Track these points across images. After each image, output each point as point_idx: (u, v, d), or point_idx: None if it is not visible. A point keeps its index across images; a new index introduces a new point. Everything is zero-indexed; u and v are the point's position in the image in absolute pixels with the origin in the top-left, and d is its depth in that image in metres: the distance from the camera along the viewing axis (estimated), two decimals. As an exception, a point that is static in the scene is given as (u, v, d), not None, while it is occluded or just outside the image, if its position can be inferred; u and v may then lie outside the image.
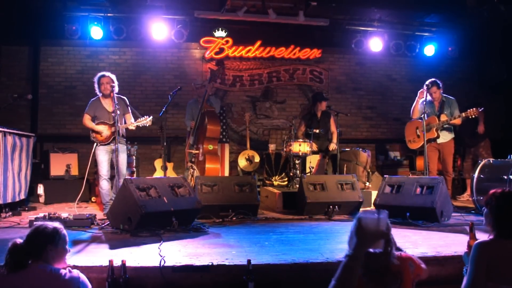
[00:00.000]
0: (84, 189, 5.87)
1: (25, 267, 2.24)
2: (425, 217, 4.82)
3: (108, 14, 7.75)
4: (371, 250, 2.25)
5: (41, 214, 4.70)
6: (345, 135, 8.04)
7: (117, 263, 2.78)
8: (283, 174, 7.64)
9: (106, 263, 2.80)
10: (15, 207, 5.63)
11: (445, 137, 6.15)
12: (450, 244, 3.75)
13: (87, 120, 5.61)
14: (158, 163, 7.60)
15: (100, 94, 5.64)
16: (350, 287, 2.04)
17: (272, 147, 8.05)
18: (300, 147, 6.49)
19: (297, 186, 6.02)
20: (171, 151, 8.17)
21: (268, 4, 7.44)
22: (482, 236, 2.50)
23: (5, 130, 5.27)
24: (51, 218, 4.51)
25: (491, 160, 5.61)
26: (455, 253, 3.36)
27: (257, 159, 7.99)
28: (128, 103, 5.73)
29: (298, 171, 6.56)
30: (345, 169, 7.02)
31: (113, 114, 5.32)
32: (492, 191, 2.45)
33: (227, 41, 8.29)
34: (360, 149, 7.40)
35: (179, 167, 7.92)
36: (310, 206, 5.47)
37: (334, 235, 4.35)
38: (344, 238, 4.43)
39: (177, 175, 6.92)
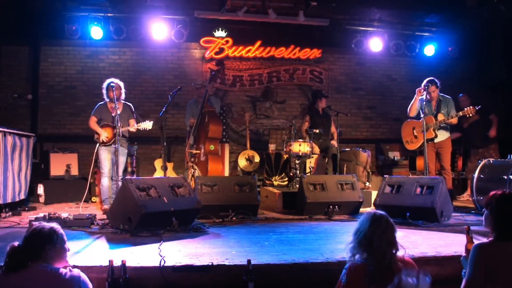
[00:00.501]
0: (85, 189, 5.88)
1: (25, 267, 2.24)
2: (425, 217, 4.82)
3: (108, 14, 7.75)
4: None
5: (41, 214, 4.71)
6: (345, 135, 8.04)
7: (117, 263, 2.78)
8: (283, 174, 7.64)
9: (106, 263, 2.80)
10: (15, 207, 5.63)
11: (442, 136, 6.15)
12: (450, 244, 3.75)
13: (92, 123, 5.80)
14: (158, 163, 7.60)
15: (107, 99, 5.79)
16: None
17: (272, 147, 8.06)
18: (300, 147, 6.49)
19: (297, 186, 6.02)
20: (171, 151, 8.17)
21: (268, 4, 7.44)
22: (480, 239, 2.49)
23: (5, 130, 5.27)
24: (51, 218, 4.51)
25: (491, 160, 5.62)
26: (455, 253, 3.36)
27: (257, 159, 7.99)
28: (133, 110, 5.96)
29: (298, 171, 6.56)
30: (345, 169, 7.02)
31: (112, 115, 5.45)
32: (492, 192, 2.44)
33: (227, 41, 8.29)
34: (360, 149, 7.41)
35: (179, 167, 7.92)
36: (310, 206, 5.47)
37: (334, 235, 4.35)
38: (344, 238, 4.46)
39: (177, 175, 6.92)
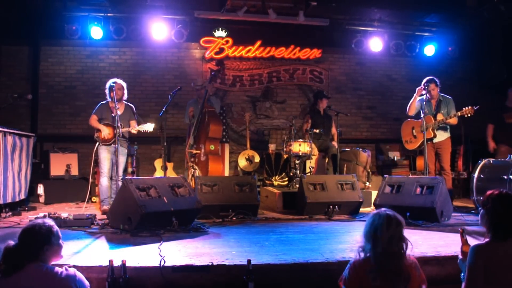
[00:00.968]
0: (85, 189, 5.88)
1: (21, 268, 2.22)
2: (425, 217, 4.82)
3: (108, 14, 7.75)
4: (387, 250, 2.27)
5: (41, 214, 4.72)
6: (345, 135, 8.04)
7: (117, 263, 2.78)
8: (283, 174, 7.64)
9: (106, 263, 2.80)
10: (15, 207, 5.62)
11: (441, 136, 6.14)
12: (450, 244, 3.75)
13: (93, 121, 5.81)
14: (158, 163, 7.60)
15: (109, 99, 5.77)
16: None
17: (272, 147, 8.06)
18: (300, 147, 6.49)
19: (297, 186, 6.02)
20: (171, 151, 8.17)
21: (268, 4, 7.44)
22: (479, 239, 2.49)
23: (5, 130, 5.27)
24: (51, 218, 4.50)
25: (491, 160, 5.61)
26: (455, 253, 3.35)
27: (257, 159, 7.99)
28: (134, 111, 5.98)
29: (298, 171, 6.56)
30: (345, 169, 7.02)
31: (112, 115, 5.43)
32: (489, 192, 2.44)
33: (227, 41, 8.29)
34: (360, 149, 7.41)
35: (179, 167, 7.92)
36: (310, 206, 5.47)
37: (334, 235, 4.35)
38: (344, 238, 4.46)
39: (177, 175, 6.92)
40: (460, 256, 2.61)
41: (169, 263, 3.11)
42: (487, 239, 2.38)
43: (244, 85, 8.69)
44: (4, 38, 7.86)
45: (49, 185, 6.80)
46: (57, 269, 2.28)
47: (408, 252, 2.39)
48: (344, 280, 2.40)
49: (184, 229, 4.41)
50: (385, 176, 5.55)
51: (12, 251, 2.25)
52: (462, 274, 2.49)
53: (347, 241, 4.02)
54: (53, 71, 8.22)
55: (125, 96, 5.90)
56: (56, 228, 2.40)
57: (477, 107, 5.73)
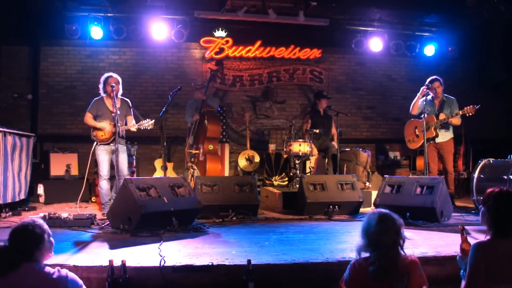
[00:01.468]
0: (84, 189, 5.87)
1: (16, 268, 2.19)
2: (425, 217, 4.82)
3: (108, 14, 7.75)
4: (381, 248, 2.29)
5: (41, 214, 4.70)
6: (345, 135, 8.04)
7: (117, 263, 2.78)
8: (283, 174, 7.64)
9: (106, 263, 2.80)
10: (15, 207, 5.62)
11: (444, 136, 6.14)
12: (450, 244, 3.75)
13: (89, 119, 5.59)
14: (158, 163, 7.60)
15: (104, 94, 5.61)
16: None
17: (272, 147, 8.06)
18: (300, 147, 6.49)
19: (297, 186, 6.02)
20: (171, 151, 8.17)
21: (268, 4, 7.44)
22: (478, 238, 2.50)
23: (5, 130, 5.27)
24: (51, 218, 4.51)
25: (491, 160, 5.61)
26: (455, 253, 3.33)
27: (257, 159, 7.99)
28: (131, 105, 5.76)
29: (298, 171, 6.56)
30: (345, 169, 7.03)
31: (113, 115, 5.32)
32: (489, 190, 2.45)
33: (227, 41, 8.29)
34: (360, 149, 7.41)
35: (179, 167, 7.92)
36: (310, 206, 5.47)
37: (334, 235, 4.35)
38: (344, 238, 4.46)
39: (177, 175, 6.92)
40: (459, 254, 2.62)
41: (169, 263, 3.11)
42: (488, 237, 2.39)
43: (244, 85, 8.69)
44: (4, 38, 7.86)
45: (49, 185, 6.80)
46: (50, 269, 2.26)
47: (408, 252, 2.39)
48: (346, 281, 2.40)
49: (184, 229, 4.41)
50: (385, 176, 5.55)
51: (5, 252, 2.23)
52: (462, 271, 2.49)
53: (347, 241, 4.02)
54: (53, 71, 8.22)
55: (121, 91, 5.63)
56: (46, 226, 2.37)
57: (478, 106, 5.72)
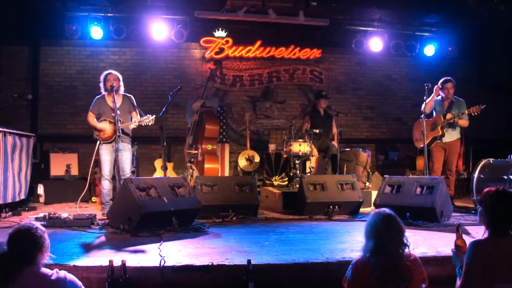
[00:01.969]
0: (84, 189, 5.87)
1: (19, 273, 2.18)
2: (425, 217, 4.82)
3: (108, 14, 7.75)
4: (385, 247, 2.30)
5: (41, 214, 4.70)
6: (345, 135, 8.04)
7: (117, 263, 2.78)
8: (283, 174, 7.64)
9: (106, 263, 2.80)
10: (15, 207, 5.62)
11: (451, 136, 6.15)
12: (450, 244, 3.70)
13: (91, 118, 5.56)
14: (158, 163, 7.60)
15: (105, 92, 5.57)
16: None
17: (272, 147, 8.05)
18: (300, 147, 6.49)
19: (297, 186, 6.02)
20: (171, 151, 8.17)
21: (268, 4, 7.43)
22: (471, 238, 2.51)
23: (5, 130, 5.26)
24: (51, 218, 4.51)
25: (491, 160, 5.61)
26: (455, 253, 3.36)
27: (257, 159, 7.99)
28: (134, 102, 5.70)
29: (298, 171, 6.56)
30: (345, 169, 7.02)
31: (113, 114, 5.27)
32: (486, 189, 2.48)
33: (227, 41, 8.29)
34: (360, 149, 7.40)
35: (179, 167, 7.93)
36: (310, 206, 5.47)
37: (334, 235, 4.35)
38: (344, 238, 4.45)
39: (177, 175, 6.93)
40: (453, 250, 2.63)
41: (169, 263, 3.11)
42: (485, 235, 2.40)
43: (244, 85, 8.69)
44: (4, 38, 7.86)
45: (49, 185, 6.79)
46: (48, 271, 2.26)
47: (408, 251, 2.40)
48: (348, 281, 2.40)
49: (184, 229, 4.41)
50: (385, 176, 5.55)
51: (8, 257, 2.22)
52: (457, 269, 2.50)
53: (347, 241, 4.02)
54: (53, 71, 8.22)
55: (122, 88, 5.57)
56: (43, 229, 2.37)
57: (484, 106, 5.75)
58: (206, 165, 6.32)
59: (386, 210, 2.43)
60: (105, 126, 5.48)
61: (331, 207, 5.44)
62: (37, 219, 4.53)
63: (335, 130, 7.12)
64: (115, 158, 5.40)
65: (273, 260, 3.24)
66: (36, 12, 7.66)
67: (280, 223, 5.10)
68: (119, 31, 7.78)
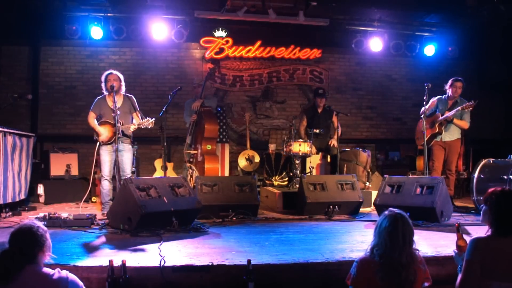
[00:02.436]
0: (85, 189, 5.86)
1: (20, 271, 2.18)
2: (425, 217, 4.82)
3: (108, 14, 7.75)
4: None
5: (41, 214, 4.71)
6: (345, 135, 8.05)
7: (117, 263, 2.78)
8: (283, 174, 7.63)
9: (106, 263, 2.80)
10: (15, 207, 5.62)
11: (451, 136, 6.14)
12: (450, 244, 3.74)
13: (91, 119, 5.54)
14: (158, 163, 7.60)
15: (106, 93, 5.55)
16: None
17: (272, 147, 8.05)
18: (300, 147, 6.48)
19: (297, 186, 6.02)
20: (171, 151, 8.17)
21: (268, 4, 7.43)
22: (471, 237, 2.51)
23: (5, 130, 5.26)
24: (51, 218, 4.51)
25: (491, 160, 5.62)
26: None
27: (257, 159, 7.99)
28: (135, 102, 5.68)
29: (298, 171, 6.56)
30: (345, 169, 7.02)
31: (113, 114, 5.27)
32: (491, 189, 2.49)
33: (227, 41, 8.29)
34: (360, 149, 7.40)
35: (179, 167, 7.92)
36: (310, 206, 5.47)
37: (334, 235, 4.35)
38: (344, 238, 4.45)
39: (177, 175, 6.92)
40: (455, 250, 2.64)
41: (169, 263, 3.11)
42: (488, 233, 2.41)
43: (244, 85, 8.69)
44: (4, 38, 7.85)
45: (49, 185, 6.79)
46: (50, 270, 2.26)
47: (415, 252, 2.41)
48: (352, 279, 2.40)
49: (184, 229, 4.41)
50: (385, 176, 5.55)
51: (9, 255, 2.22)
52: (459, 267, 2.51)
53: (347, 241, 4.02)
54: (53, 71, 8.22)
55: (123, 88, 5.55)
56: (45, 228, 2.37)
57: (476, 101, 5.75)
58: (207, 166, 6.32)
59: (399, 212, 2.41)
60: (103, 131, 5.44)
61: (331, 207, 5.44)
62: (37, 219, 4.52)
63: (336, 126, 7.03)
64: (116, 159, 5.39)
65: (273, 260, 3.24)
66: (36, 12, 7.65)
67: (280, 223, 5.10)
68: (119, 31, 7.78)
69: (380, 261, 2.33)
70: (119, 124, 5.24)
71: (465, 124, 6.06)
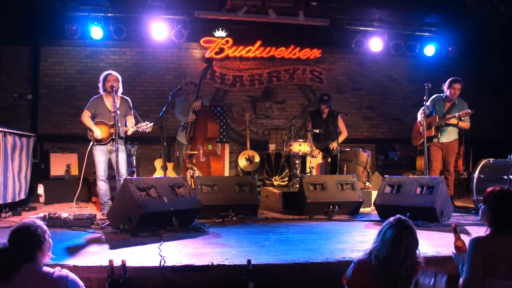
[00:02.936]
0: (84, 189, 5.85)
1: (18, 270, 2.19)
2: (425, 217, 4.82)
3: (108, 14, 7.75)
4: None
5: (41, 214, 4.71)
6: (345, 135, 8.04)
7: (117, 263, 2.78)
8: (283, 174, 7.64)
9: (106, 263, 2.80)
10: (15, 207, 5.62)
11: (448, 137, 6.14)
12: (450, 244, 3.71)
13: (86, 117, 5.48)
14: (158, 163, 7.60)
15: (103, 93, 5.53)
16: None
17: (272, 147, 8.05)
18: (300, 147, 6.48)
19: (297, 186, 6.02)
20: (171, 151, 8.16)
21: (268, 4, 7.43)
22: (470, 237, 2.51)
23: (5, 130, 5.27)
24: (51, 218, 4.51)
25: (491, 160, 5.62)
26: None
27: (257, 159, 7.99)
28: (131, 105, 5.68)
29: (298, 171, 6.56)
30: (345, 169, 7.02)
31: (113, 114, 5.26)
32: (490, 188, 2.50)
33: (227, 41, 8.29)
34: (360, 149, 7.39)
35: (179, 167, 7.91)
36: (310, 206, 5.47)
37: (334, 235, 4.35)
38: (344, 238, 4.46)
39: (177, 175, 6.92)
40: (454, 251, 2.65)
41: (169, 263, 3.11)
42: (487, 232, 2.42)
43: (244, 85, 8.69)
44: (4, 38, 7.85)
45: (49, 185, 6.79)
46: (49, 269, 2.26)
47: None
48: (348, 279, 2.40)
49: (184, 229, 4.41)
50: (385, 176, 5.55)
51: (7, 253, 2.22)
52: (460, 266, 2.52)
53: (347, 241, 4.02)
54: (53, 71, 8.21)
55: (120, 90, 5.51)
56: (45, 227, 2.37)
57: (473, 111, 5.76)
58: (213, 165, 6.30)
59: (405, 222, 2.36)
60: (98, 133, 5.40)
61: (331, 207, 5.44)
62: (38, 219, 4.52)
63: (341, 130, 6.94)
64: (111, 159, 5.39)
65: (273, 260, 3.24)
66: (36, 12, 7.65)
67: (280, 223, 5.10)
68: (119, 31, 7.78)
69: (377, 265, 2.31)
70: (119, 125, 5.24)
71: (467, 125, 6.07)
